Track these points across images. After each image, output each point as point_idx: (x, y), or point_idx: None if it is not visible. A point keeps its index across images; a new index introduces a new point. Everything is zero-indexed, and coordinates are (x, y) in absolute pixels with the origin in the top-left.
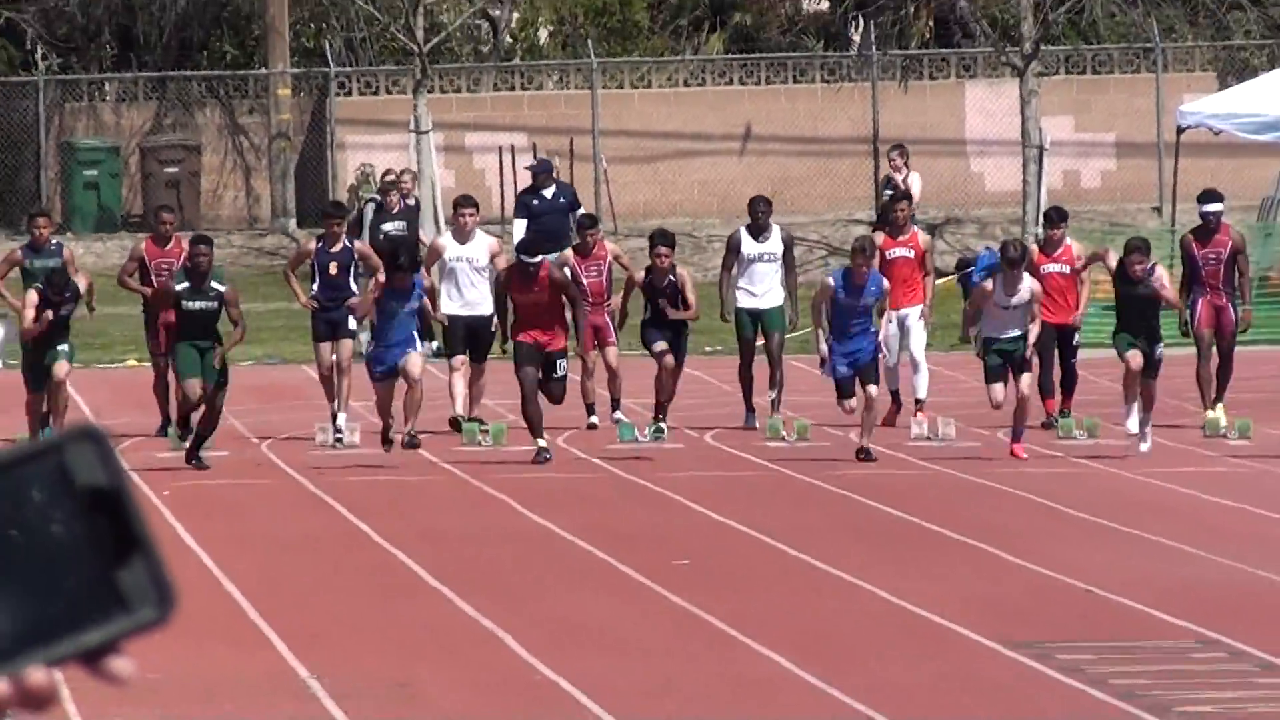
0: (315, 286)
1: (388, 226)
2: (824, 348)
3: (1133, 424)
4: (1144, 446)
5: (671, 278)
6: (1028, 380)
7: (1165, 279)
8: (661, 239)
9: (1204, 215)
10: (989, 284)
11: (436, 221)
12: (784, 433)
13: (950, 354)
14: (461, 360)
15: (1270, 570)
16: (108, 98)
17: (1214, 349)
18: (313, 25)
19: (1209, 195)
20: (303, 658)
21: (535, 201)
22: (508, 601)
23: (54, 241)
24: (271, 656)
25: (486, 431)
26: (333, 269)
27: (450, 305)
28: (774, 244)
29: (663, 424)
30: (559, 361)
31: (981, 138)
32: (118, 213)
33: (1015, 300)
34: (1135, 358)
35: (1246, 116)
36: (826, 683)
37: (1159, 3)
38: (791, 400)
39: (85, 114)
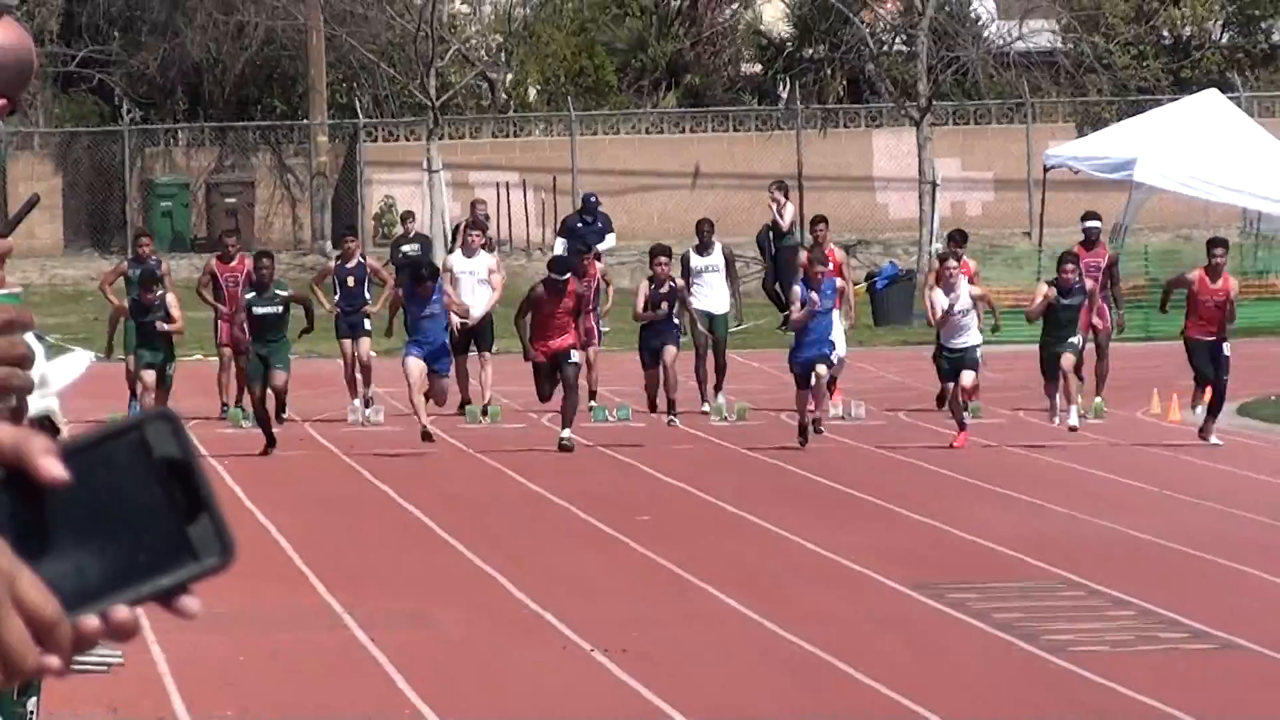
0: (337, 296)
1: (406, 248)
2: (796, 290)
3: (1073, 419)
4: (1072, 420)
5: (670, 283)
6: (970, 378)
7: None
8: (660, 251)
9: (1086, 230)
10: (935, 295)
11: (446, 243)
12: (726, 414)
13: (861, 349)
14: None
15: (1120, 524)
16: (180, 143)
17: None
18: (345, 84)
19: (1090, 215)
20: (337, 595)
21: (579, 224)
22: (503, 551)
23: (154, 257)
24: (312, 594)
25: (486, 414)
26: (350, 281)
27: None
28: (717, 258)
29: (675, 417)
30: (571, 351)
31: (886, 175)
32: (187, 236)
33: (959, 306)
34: (1068, 359)
35: (1099, 159)
36: (764, 617)
37: (1029, 66)
38: (732, 388)
39: (161, 156)
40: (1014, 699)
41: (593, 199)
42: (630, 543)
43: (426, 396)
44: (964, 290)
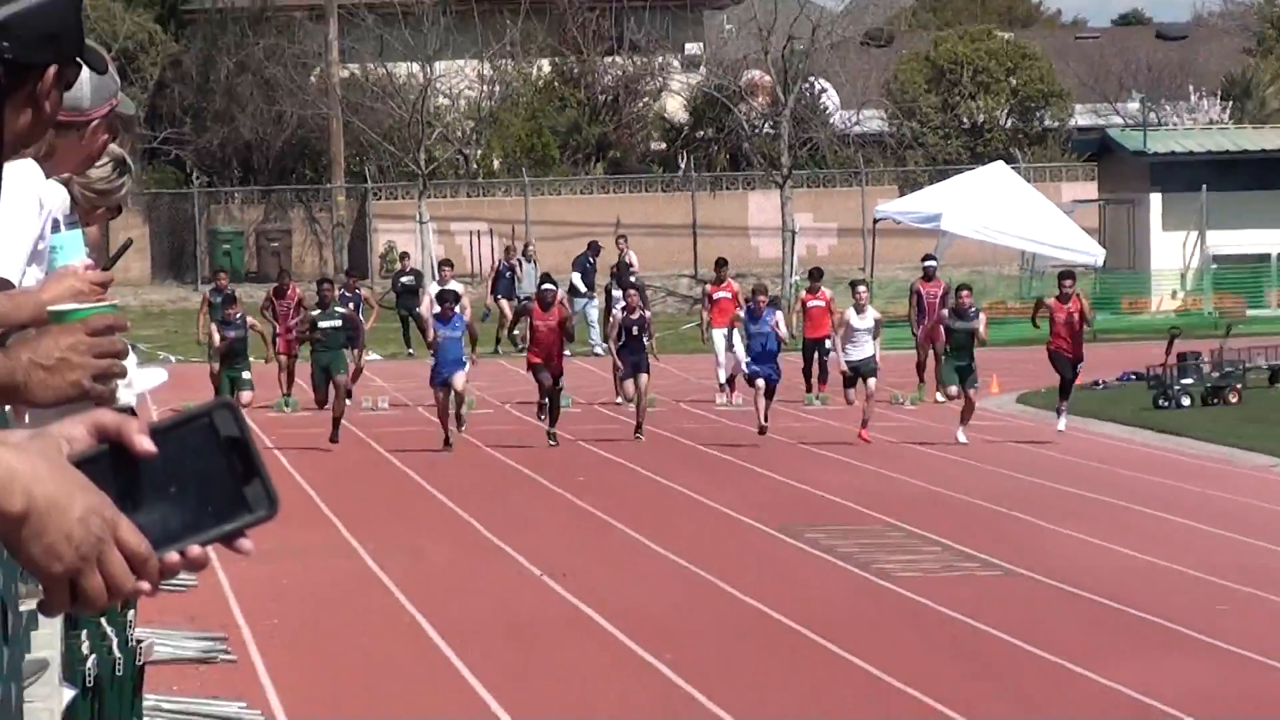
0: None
1: (404, 279)
2: (740, 351)
3: (961, 436)
4: (961, 438)
5: (640, 312)
6: (873, 384)
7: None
8: (632, 286)
9: (925, 267)
10: (849, 314)
11: (433, 274)
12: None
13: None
14: None
15: (930, 484)
16: (235, 201)
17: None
18: (358, 158)
19: (929, 256)
20: (354, 534)
21: (587, 262)
22: (476, 501)
23: (230, 288)
24: (334, 533)
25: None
26: (350, 307)
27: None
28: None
29: (641, 435)
30: (560, 380)
31: (757, 225)
32: (242, 270)
33: (862, 325)
34: (954, 390)
35: (915, 212)
36: (664, 549)
37: (863, 144)
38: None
39: (222, 211)
40: (851, 611)
41: (598, 244)
42: (568, 495)
43: (443, 414)
44: (870, 313)
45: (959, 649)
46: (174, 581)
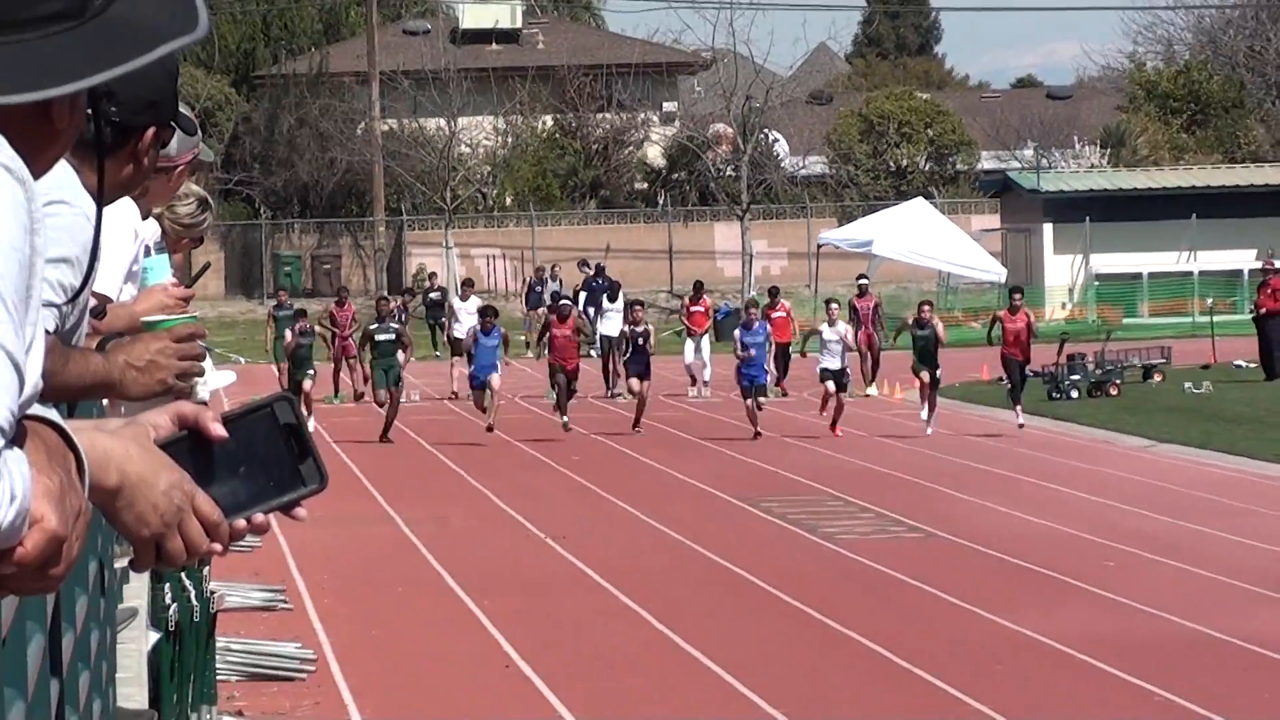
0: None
1: (433, 295)
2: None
3: (924, 414)
4: (929, 430)
5: (644, 327)
6: (844, 394)
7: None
8: (637, 303)
9: (860, 285)
10: (822, 327)
11: (456, 290)
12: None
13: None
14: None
15: (866, 462)
16: (295, 231)
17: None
18: (395, 195)
19: (862, 275)
20: (391, 505)
21: (594, 284)
22: (488, 474)
23: (291, 304)
24: (375, 504)
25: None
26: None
27: (458, 330)
28: (619, 304)
29: (639, 429)
30: (576, 373)
31: (721, 250)
32: (300, 287)
33: (833, 337)
34: (925, 376)
35: (851, 239)
36: (646, 516)
37: (809, 183)
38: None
39: (284, 239)
40: (800, 568)
41: (603, 266)
42: (567, 471)
43: (481, 408)
44: (840, 326)
45: (889, 598)
46: (241, 544)
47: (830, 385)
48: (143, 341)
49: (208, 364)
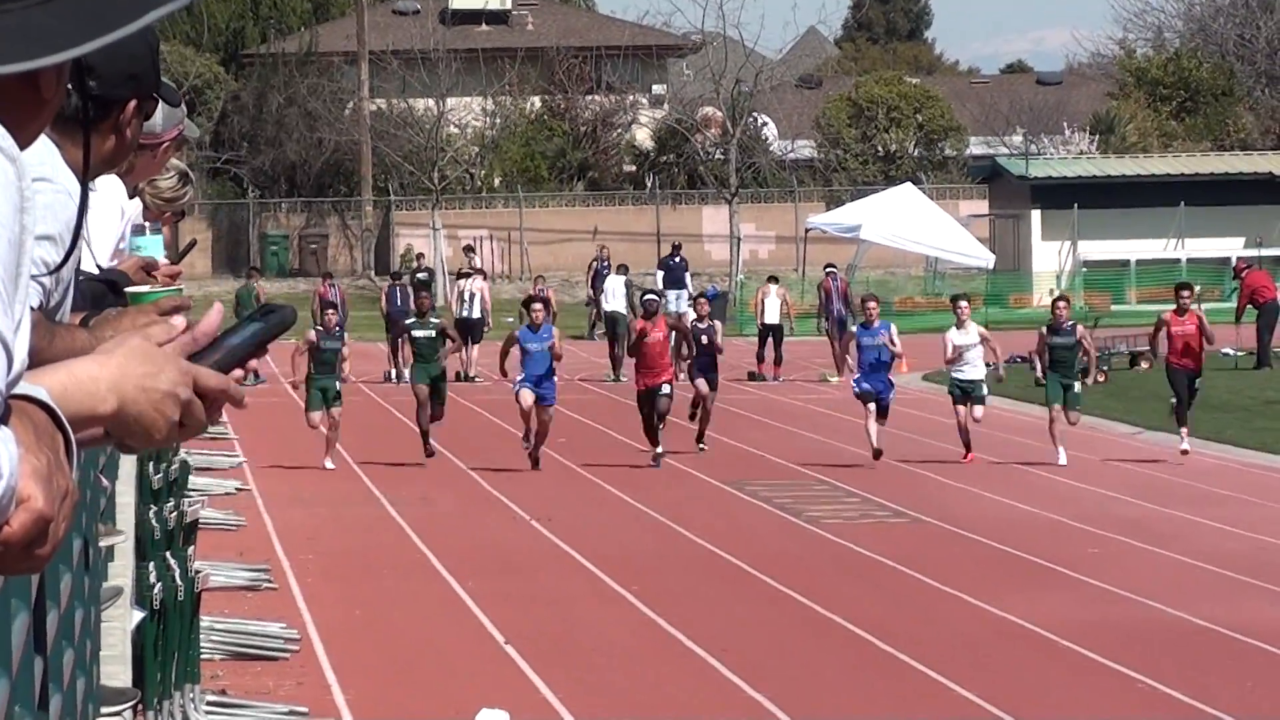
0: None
1: (420, 275)
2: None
3: (1061, 457)
4: (1061, 460)
5: (710, 322)
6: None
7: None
8: (700, 295)
9: (829, 271)
10: (950, 334)
11: (445, 272)
12: (617, 376)
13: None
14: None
15: (849, 445)
16: (283, 210)
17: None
18: (384, 176)
19: (831, 265)
20: (376, 486)
21: (672, 261)
22: (476, 458)
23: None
24: (360, 484)
25: (473, 380)
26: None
27: (460, 310)
28: (617, 284)
29: (703, 445)
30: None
31: (710, 233)
32: (287, 266)
33: (969, 341)
34: (1057, 409)
35: (839, 224)
36: (631, 499)
37: (797, 167)
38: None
39: (272, 218)
40: (785, 551)
41: (679, 245)
42: (554, 455)
43: (528, 427)
44: (972, 329)
45: (874, 583)
46: (226, 521)
47: (975, 410)
48: (128, 316)
49: None
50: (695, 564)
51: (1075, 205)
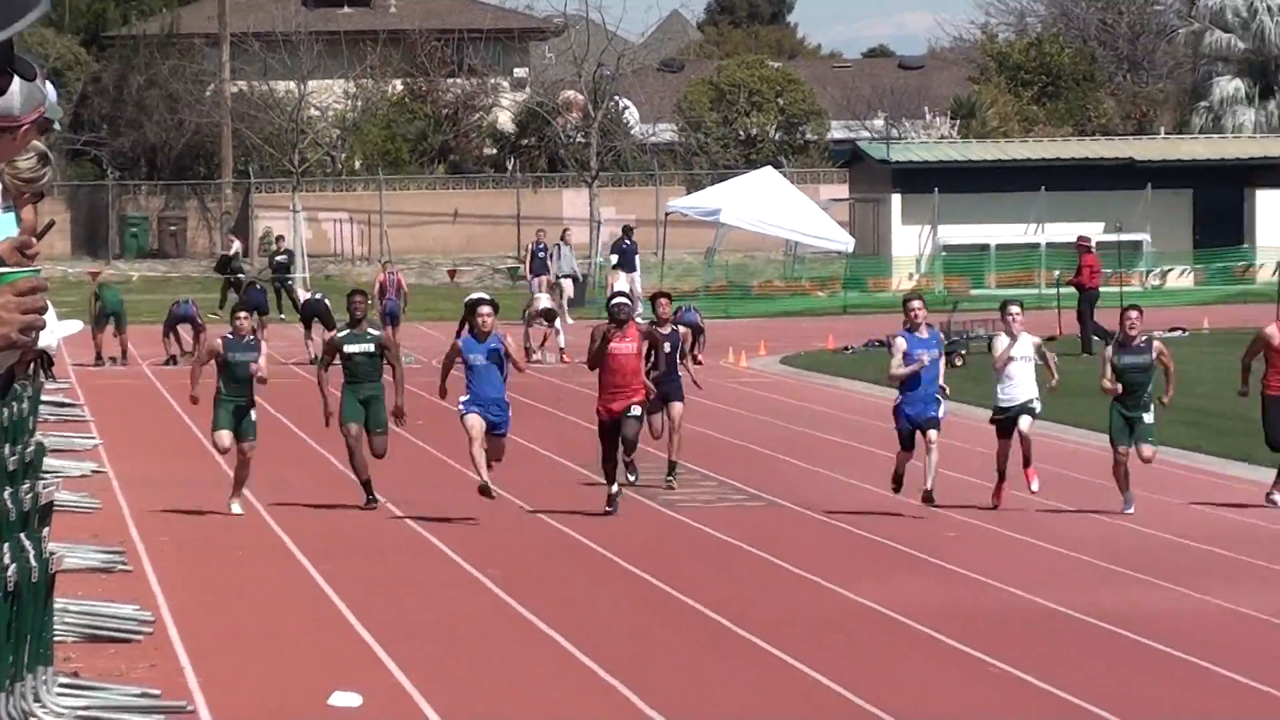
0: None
1: (279, 258)
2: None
3: (1129, 504)
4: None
5: (674, 328)
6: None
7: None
8: (663, 295)
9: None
10: (999, 338)
11: (303, 256)
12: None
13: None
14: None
15: (711, 431)
16: (143, 192)
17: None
18: (244, 158)
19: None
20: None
21: (624, 245)
22: (329, 439)
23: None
24: (216, 467)
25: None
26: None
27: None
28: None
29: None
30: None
31: (570, 217)
32: (146, 247)
33: (1024, 353)
34: (1123, 450)
35: (700, 207)
36: (495, 484)
37: (658, 151)
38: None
39: (131, 200)
40: (644, 536)
41: (631, 227)
42: (411, 438)
43: (478, 463)
44: (1026, 340)
45: (731, 567)
46: (81, 504)
47: (1023, 423)
48: None
49: (51, 315)
50: (551, 547)
51: (936, 190)
